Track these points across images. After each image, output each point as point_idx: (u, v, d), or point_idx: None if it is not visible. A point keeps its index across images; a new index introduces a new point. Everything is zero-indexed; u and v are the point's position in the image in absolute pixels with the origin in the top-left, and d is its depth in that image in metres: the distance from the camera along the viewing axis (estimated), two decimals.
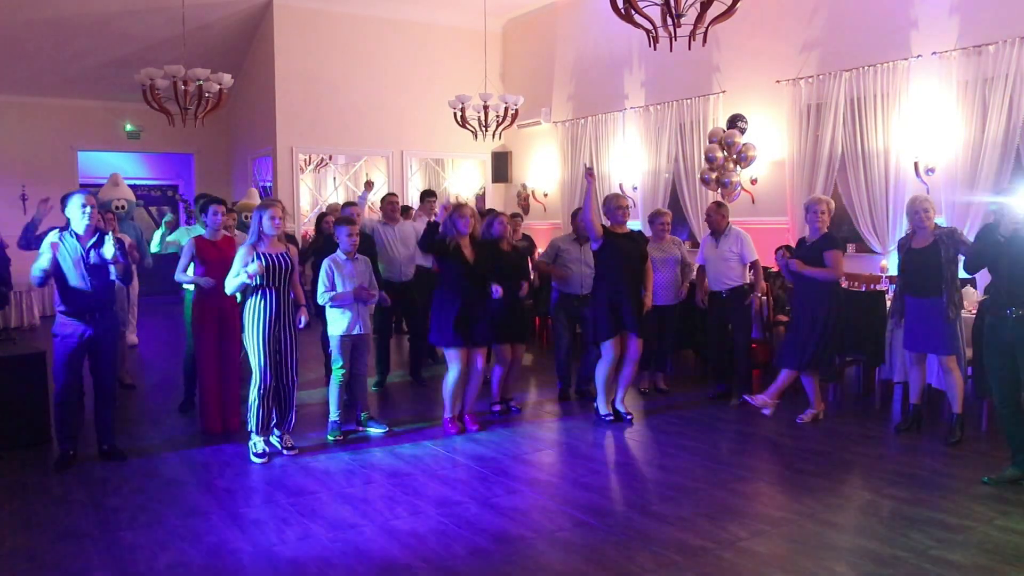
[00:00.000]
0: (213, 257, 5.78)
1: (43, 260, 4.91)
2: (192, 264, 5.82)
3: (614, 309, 5.96)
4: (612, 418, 6.08)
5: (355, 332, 5.65)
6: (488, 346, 6.02)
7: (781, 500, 4.45)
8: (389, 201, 7.62)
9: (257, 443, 5.21)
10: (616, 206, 6.12)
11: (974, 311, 5.81)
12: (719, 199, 7.82)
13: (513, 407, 6.44)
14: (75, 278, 4.95)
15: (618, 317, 5.97)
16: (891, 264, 7.35)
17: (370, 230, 7.15)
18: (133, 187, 14.71)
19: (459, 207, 5.79)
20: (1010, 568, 3.55)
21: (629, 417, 6.10)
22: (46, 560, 3.72)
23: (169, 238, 6.80)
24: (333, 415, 5.71)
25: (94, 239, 5.00)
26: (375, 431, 5.82)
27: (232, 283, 5.15)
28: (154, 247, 6.97)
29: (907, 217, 5.67)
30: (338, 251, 5.66)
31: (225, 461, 5.20)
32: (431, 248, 5.78)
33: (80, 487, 4.71)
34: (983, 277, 6.92)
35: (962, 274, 7.23)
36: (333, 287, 5.56)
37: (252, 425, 5.21)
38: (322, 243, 6.99)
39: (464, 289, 5.66)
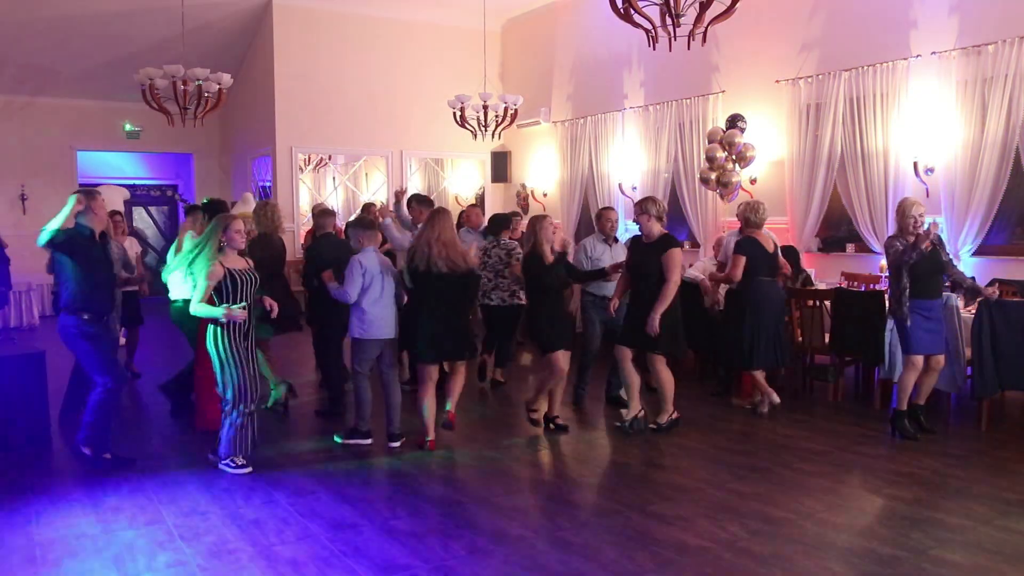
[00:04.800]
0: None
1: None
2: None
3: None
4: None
5: (386, 336, 5.38)
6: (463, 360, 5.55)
7: (781, 500, 4.45)
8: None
9: (235, 459, 4.92)
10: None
11: (973, 311, 5.81)
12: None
13: (559, 424, 5.84)
14: (100, 278, 4.99)
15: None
16: None
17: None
18: (132, 187, 14.76)
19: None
20: (1010, 568, 3.55)
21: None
22: (46, 560, 3.72)
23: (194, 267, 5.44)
24: (350, 422, 5.62)
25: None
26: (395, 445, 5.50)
27: (201, 309, 4.74)
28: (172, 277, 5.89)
29: (899, 221, 5.47)
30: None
31: None
32: None
33: (80, 487, 4.71)
34: (983, 278, 6.97)
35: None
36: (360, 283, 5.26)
37: (233, 450, 4.89)
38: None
39: (440, 302, 5.25)
